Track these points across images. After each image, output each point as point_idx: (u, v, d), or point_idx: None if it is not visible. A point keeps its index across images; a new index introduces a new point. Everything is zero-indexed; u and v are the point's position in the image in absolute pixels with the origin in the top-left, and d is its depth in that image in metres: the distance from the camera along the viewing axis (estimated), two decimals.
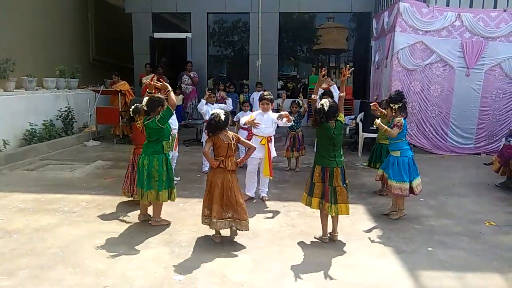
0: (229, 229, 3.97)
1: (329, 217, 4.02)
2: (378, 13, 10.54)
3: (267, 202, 5.25)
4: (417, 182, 4.70)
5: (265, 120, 5.25)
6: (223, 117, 3.87)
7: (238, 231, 3.95)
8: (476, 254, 3.81)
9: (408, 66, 8.57)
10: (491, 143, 8.82)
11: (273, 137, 5.40)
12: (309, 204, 4.03)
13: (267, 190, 5.42)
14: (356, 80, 12.63)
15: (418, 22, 8.45)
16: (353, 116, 10.03)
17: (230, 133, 4.00)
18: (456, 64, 8.56)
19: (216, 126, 3.90)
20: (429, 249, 3.90)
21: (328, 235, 4.06)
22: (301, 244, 3.97)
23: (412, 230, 4.38)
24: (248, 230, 3.91)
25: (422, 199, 5.45)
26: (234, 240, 3.99)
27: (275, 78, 12.28)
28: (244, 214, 3.87)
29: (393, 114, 4.82)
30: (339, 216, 3.98)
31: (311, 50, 13.13)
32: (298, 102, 7.22)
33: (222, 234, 4.00)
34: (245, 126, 5.62)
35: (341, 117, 3.97)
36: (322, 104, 3.87)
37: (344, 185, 3.95)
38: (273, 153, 5.37)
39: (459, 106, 8.65)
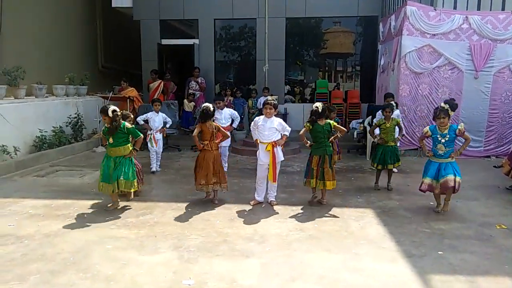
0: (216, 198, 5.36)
1: None
2: (385, 17, 10.54)
3: (275, 207, 5.24)
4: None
5: (268, 127, 5.23)
6: (211, 109, 5.22)
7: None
8: (487, 258, 3.77)
9: (416, 69, 8.55)
10: (501, 146, 8.75)
11: (278, 140, 5.26)
12: (309, 184, 5.28)
13: (275, 194, 5.42)
14: (363, 84, 12.63)
15: (425, 25, 8.44)
16: (360, 120, 10.02)
17: (213, 124, 5.29)
18: (464, 67, 8.52)
19: (207, 115, 5.18)
20: (439, 253, 3.87)
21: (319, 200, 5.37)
22: (310, 248, 3.96)
23: (422, 234, 4.35)
24: (227, 190, 5.41)
25: (432, 203, 5.41)
26: (240, 244, 4.00)
27: (282, 83, 12.32)
28: (224, 179, 5.31)
29: (450, 120, 4.96)
30: (327, 190, 5.31)
31: (318, 55, 13.15)
32: (333, 107, 7.44)
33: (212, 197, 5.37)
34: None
35: (332, 122, 5.33)
36: (317, 107, 5.16)
37: (330, 167, 5.21)
38: (280, 157, 5.34)
39: (468, 109, 8.60)
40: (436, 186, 5.01)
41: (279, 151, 5.30)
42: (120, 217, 4.77)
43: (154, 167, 7.20)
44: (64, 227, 4.44)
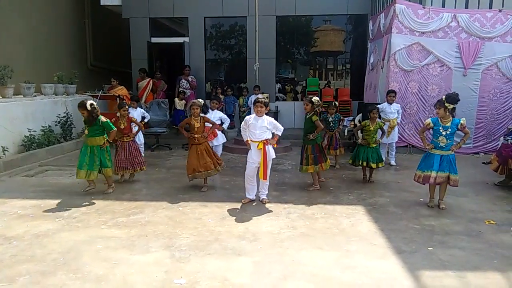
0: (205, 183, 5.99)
1: None
2: (374, 15, 10.60)
3: (267, 205, 5.25)
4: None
5: (259, 126, 5.23)
6: (201, 105, 5.95)
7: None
8: (476, 253, 3.81)
9: (405, 67, 8.62)
10: (490, 142, 8.87)
11: (270, 139, 5.31)
12: (305, 170, 5.88)
13: (267, 192, 5.42)
14: (353, 82, 12.69)
15: (414, 23, 8.50)
16: (351, 118, 10.07)
17: (201, 118, 5.89)
18: (453, 64, 8.61)
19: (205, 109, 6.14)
20: (429, 248, 3.91)
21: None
22: (302, 246, 3.97)
23: (412, 230, 4.39)
24: (216, 173, 6.02)
25: (422, 199, 5.46)
26: (231, 243, 4.01)
27: (273, 81, 12.33)
28: (204, 169, 5.81)
29: (447, 114, 5.00)
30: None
31: (308, 53, 13.19)
32: (334, 103, 7.73)
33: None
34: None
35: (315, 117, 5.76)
36: (318, 100, 5.77)
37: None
38: (272, 156, 5.35)
39: (457, 106, 8.63)
40: (436, 176, 5.09)
41: (270, 149, 5.30)
42: (110, 217, 4.74)
43: None
44: (54, 227, 4.39)
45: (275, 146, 5.39)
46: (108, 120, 5.65)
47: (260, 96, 5.59)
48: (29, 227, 4.38)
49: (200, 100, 6.11)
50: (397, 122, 7.73)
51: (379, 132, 6.56)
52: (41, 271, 3.39)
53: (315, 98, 5.89)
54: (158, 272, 3.40)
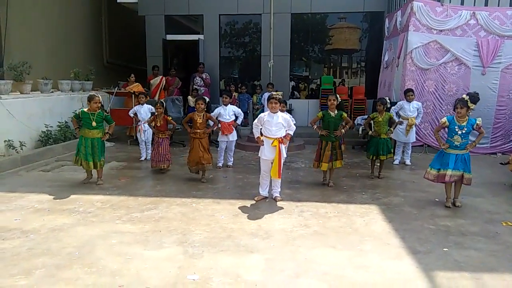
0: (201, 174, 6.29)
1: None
2: (391, 12, 10.47)
3: (280, 202, 5.24)
4: None
5: (274, 122, 5.21)
6: (206, 102, 6.22)
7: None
8: (492, 255, 3.74)
9: (422, 65, 8.50)
10: (508, 143, 8.69)
11: (284, 138, 5.30)
12: (336, 166, 5.97)
13: (279, 190, 5.41)
14: (368, 80, 12.55)
15: (432, 21, 8.37)
16: (365, 116, 9.95)
17: (204, 114, 6.18)
18: (471, 63, 8.45)
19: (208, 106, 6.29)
20: (445, 249, 3.85)
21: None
22: (314, 244, 3.95)
23: (427, 231, 4.33)
24: (210, 168, 6.25)
25: (437, 199, 5.38)
26: (244, 240, 4.01)
27: (287, 79, 12.27)
28: (207, 162, 6.09)
29: (468, 113, 4.99)
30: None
31: (323, 51, 13.08)
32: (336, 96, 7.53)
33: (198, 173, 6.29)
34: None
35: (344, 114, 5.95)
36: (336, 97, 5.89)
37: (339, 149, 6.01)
38: (284, 154, 5.34)
39: (476, 105, 8.51)
40: (450, 175, 5.05)
41: (283, 148, 5.29)
42: (125, 212, 4.79)
43: (144, 156, 7.88)
44: (69, 221, 4.46)
45: (285, 145, 5.38)
46: (107, 114, 6.15)
47: (275, 93, 5.57)
48: (45, 221, 4.45)
49: (206, 98, 6.38)
50: (416, 123, 7.61)
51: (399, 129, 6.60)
52: (56, 265, 3.45)
53: (339, 97, 6.07)
54: (172, 268, 3.42)
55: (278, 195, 5.37)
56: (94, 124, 5.83)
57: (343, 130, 5.88)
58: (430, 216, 4.79)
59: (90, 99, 5.88)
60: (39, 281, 3.17)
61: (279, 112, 5.29)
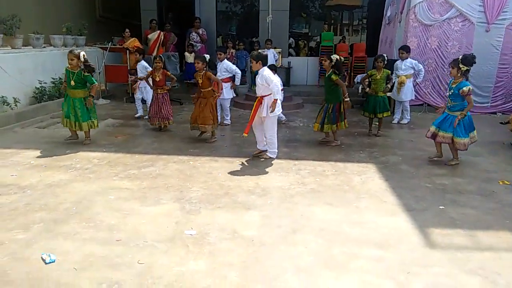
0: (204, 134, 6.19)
1: None
2: None
3: (277, 160, 5.22)
4: (472, 135, 5.05)
5: (257, 81, 5.11)
6: (204, 59, 5.88)
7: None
8: (488, 213, 3.77)
9: (426, 21, 8.24)
10: (508, 102, 8.61)
11: (266, 98, 5.06)
12: (328, 129, 5.84)
13: (273, 150, 5.32)
14: (369, 38, 12.24)
15: None
16: (365, 74, 9.78)
17: (204, 73, 5.86)
18: (476, 19, 8.19)
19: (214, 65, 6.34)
20: (441, 207, 3.88)
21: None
22: (311, 201, 3.97)
23: (424, 189, 4.35)
24: (206, 130, 5.99)
25: (435, 158, 5.37)
26: (241, 197, 4.03)
27: (286, 35, 11.93)
28: (201, 123, 5.89)
29: (458, 75, 4.86)
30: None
31: (324, 6, 12.67)
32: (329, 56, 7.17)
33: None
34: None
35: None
36: (337, 58, 5.66)
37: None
38: (263, 114, 5.10)
39: (477, 63, 8.11)
40: (438, 134, 5.07)
41: (264, 108, 5.09)
42: (122, 169, 4.77)
43: (140, 112, 7.76)
44: (66, 177, 4.45)
45: (272, 108, 5.04)
46: (90, 74, 5.64)
47: (260, 51, 5.42)
48: (42, 177, 4.43)
49: (206, 56, 6.06)
50: (418, 82, 7.46)
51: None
52: (54, 219, 3.46)
53: (335, 56, 5.75)
54: (169, 223, 3.44)
55: (268, 154, 5.32)
56: (72, 83, 5.52)
57: (347, 100, 5.68)
58: (427, 174, 4.80)
59: (68, 53, 5.59)
60: (37, 235, 3.19)
61: (260, 71, 5.08)
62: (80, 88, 5.62)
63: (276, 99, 5.02)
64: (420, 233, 3.36)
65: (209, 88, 5.94)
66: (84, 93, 5.67)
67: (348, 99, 5.70)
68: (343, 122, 5.85)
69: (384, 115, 6.48)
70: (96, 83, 5.77)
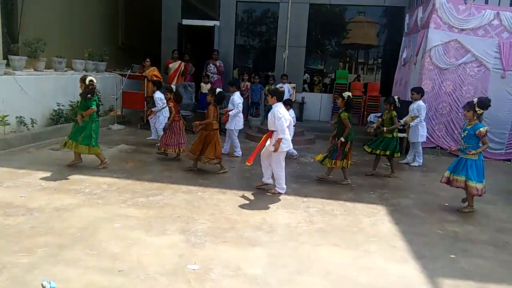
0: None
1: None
2: (412, 7, 10.22)
3: (285, 196, 5.17)
4: (484, 183, 4.91)
5: (269, 115, 5.27)
6: (215, 93, 6.04)
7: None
8: (501, 265, 3.65)
9: (441, 64, 8.29)
10: None
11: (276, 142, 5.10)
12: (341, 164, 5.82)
13: (280, 185, 5.27)
14: (384, 77, 12.34)
15: (454, 19, 8.14)
16: (379, 114, 9.78)
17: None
18: (491, 65, 8.22)
19: (222, 99, 6.21)
20: (452, 256, 3.76)
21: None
22: (318, 241, 3.89)
23: (435, 235, 4.24)
24: (205, 164, 6.05)
25: (447, 204, 5.27)
26: (247, 232, 3.97)
27: (301, 71, 12.11)
28: (209, 158, 5.91)
29: (474, 118, 4.88)
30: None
31: (340, 44, 12.87)
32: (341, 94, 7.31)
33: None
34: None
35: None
36: (349, 95, 5.85)
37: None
38: (271, 148, 5.16)
39: (492, 109, 8.11)
40: (452, 179, 5.02)
41: (270, 142, 5.20)
42: (130, 196, 4.77)
43: (153, 136, 8.08)
44: (75, 202, 4.46)
45: (275, 149, 5.08)
46: (94, 98, 5.75)
47: (274, 86, 5.55)
48: (50, 200, 4.46)
49: (218, 89, 6.20)
50: (411, 124, 7.34)
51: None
52: (58, 244, 3.45)
53: (347, 93, 5.83)
54: (173, 256, 3.40)
55: (275, 189, 5.28)
56: (79, 105, 5.88)
57: (342, 139, 5.69)
58: (438, 220, 4.69)
59: (79, 80, 5.79)
60: (41, 260, 3.17)
61: (274, 105, 5.22)
62: (84, 110, 5.74)
63: (281, 138, 5.03)
64: (430, 283, 3.25)
65: (208, 120, 5.95)
66: (89, 117, 5.75)
67: (343, 140, 5.69)
68: (342, 161, 5.78)
69: (381, 153, 6.41)
70: (95, 108, 5.74)
